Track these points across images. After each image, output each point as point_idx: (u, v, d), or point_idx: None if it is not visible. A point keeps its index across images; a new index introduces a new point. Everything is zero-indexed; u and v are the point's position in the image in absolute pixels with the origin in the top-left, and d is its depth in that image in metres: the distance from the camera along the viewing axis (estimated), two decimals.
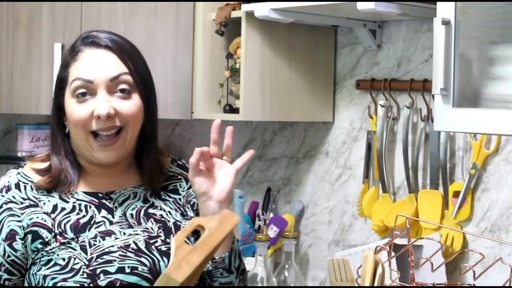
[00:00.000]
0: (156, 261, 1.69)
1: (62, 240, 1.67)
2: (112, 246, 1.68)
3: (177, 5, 2.51)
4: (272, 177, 2.78)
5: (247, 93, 2.38)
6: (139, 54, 1.77)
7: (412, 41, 2.38)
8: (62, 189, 1.72)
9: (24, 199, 1.70)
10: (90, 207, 1.73)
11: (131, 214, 1.74)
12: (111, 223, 1.71)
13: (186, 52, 2.51)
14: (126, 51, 1.72)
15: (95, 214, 1.72)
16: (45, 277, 1.65)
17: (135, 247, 1.69)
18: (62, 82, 1.73)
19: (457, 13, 1.63)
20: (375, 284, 1.80)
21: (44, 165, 1.75)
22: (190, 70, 2.52)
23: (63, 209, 1.71)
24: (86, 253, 1.66)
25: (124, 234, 1.70)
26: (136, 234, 1.71)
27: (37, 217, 1.68)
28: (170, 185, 1.83)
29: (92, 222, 1.70)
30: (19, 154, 2.85)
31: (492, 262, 1.88)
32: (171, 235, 1.73)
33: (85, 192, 1.74)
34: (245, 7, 2.35)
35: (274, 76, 2.44)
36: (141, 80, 1.73)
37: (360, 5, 2.08)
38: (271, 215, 2.68)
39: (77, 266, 1.64)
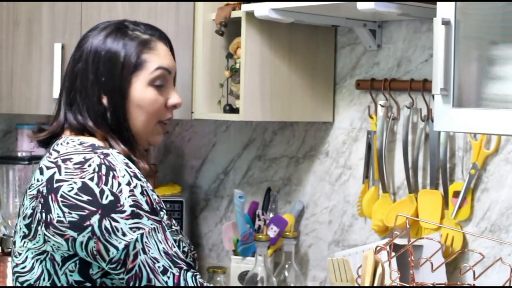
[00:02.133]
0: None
1: (168, 221, 1.73)
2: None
3: (177, 5, 2.51)
4: (272, 177, 2.78)
5: (247, 93, 2.38)
6: None
7: (412, 41, 2.38)
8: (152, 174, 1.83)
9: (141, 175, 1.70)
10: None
11: None
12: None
13: (186, 52, 2.51)
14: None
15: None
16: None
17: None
18: (136, 67, 1.74)
19: (457, 13, 1.63)
20: (375, 284, 1.80)
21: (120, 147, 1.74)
22: (190, 70, 2.52)
23: (152, 190, 1.72)
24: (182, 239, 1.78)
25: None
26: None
27: (154, 194, 1.71)
28: None
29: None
30: (19, 154, 2.84)
31: (492, 262, 1.88)
32: None
33: None
34: (245, 7, 2.35)
35: (274, 76, 2.44)
36: None
37: (360, 5, 2.08)
38: (271, 215, 2.68)
39: (186, 249, 1.76)
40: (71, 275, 1.63)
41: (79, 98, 1.74)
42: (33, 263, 1.66)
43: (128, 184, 1.62)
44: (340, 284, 1.91)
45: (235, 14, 2.41)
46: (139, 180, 1.65)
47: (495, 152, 2.19)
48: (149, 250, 1.59)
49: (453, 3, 1.63)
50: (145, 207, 1.61)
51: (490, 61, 1.61)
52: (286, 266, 2.56)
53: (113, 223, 1.58)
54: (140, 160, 1.73)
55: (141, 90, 1.74)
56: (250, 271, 2.54)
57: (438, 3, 1.66)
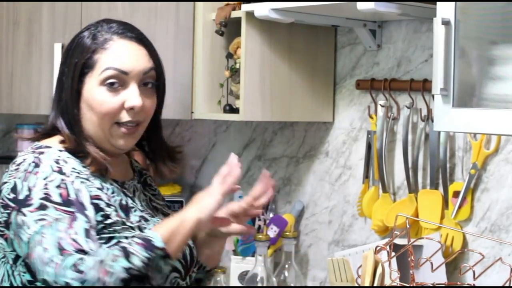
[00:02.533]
0: (187, 251, 1.76)
1: (119, 218, 1.65)
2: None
3: (177, 5, 2.51)
4: (272, 177, 2.77)
5: (247, 93, 2.38)
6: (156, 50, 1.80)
7: (412, 41, 2.38)
8: (105, 174, 1.71)
9: (80, 171, 1.66)
10: (119, 193, 1.72)
11: (145, 205, 1.79)
12: (140, 210, 1.74)
13: (186, 52, 2.51)
14: (152, 47, 1.76)
15: (127, 200, 1.73)
16: None
17: None
18: (86, 68, 1.68)
19: (457, 13, 1.63)
20: (375, 284, 1.80)
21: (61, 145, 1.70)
22: (190, 70, 2.52)
23: (107, 189, 1.69)
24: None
25: (154, 223, 1.73)
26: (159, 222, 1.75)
27: (94, 191, 1.65)
28: (147, 179, 1.91)
29: (129, 206, 1.72)
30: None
31: (492, 262, 1.88)
32: None
33: (113, 179, 1.73)
34: (245, 7, 2.35)
35: (274, 76, 2.44)
36: (161, 76, 1.78)
37: (360, 5, 2.08)
38: (271, 215, 2.68)
39: None
40: (23, 275, 1.61)
41: (54, 99, 1.76)
42: None
43: (45, 178, 1.59)
44: (340, 284, 1.91)
45: (235, 14, 2.41)
46: (63, 174, 1.61)
47: (495, 152, 2.19)
48: (43, 241, 1.52)
49: (453, 3, 1.63)
50: (56, 198, 1.56)
51: (490, 61, 1.61)
52: (286, 266, 2.56)
53: (22, 217, 1.56)
54: (91, 159, 1.68)
55: (91, 91, 1.68)
56: (250, 271, 2.54)
57: (438, 3, 1.66)
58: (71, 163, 1.65)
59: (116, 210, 1.66)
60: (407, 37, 2.39)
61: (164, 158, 1.84)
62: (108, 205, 1.65)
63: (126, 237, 1.61)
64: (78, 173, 1.64)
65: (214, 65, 2.51)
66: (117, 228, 1.62)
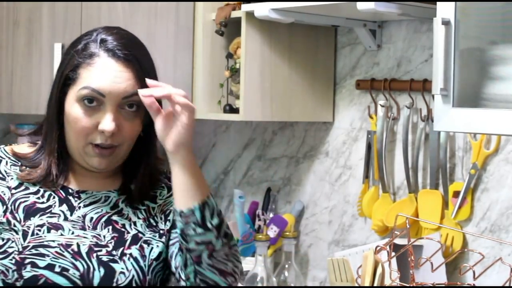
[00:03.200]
0: (91, 269, 1.57)
1: (10, 218, 1.59)
2: (53, 241, 1.58)
3: (177, 5, 2.51)
4: (272, 177, 2.78)
5: (247, 93, 2.38)
6: (153, 66, 1.67)
7: (412, 41, 2.38)
8: (44, 184, 1.64)
9: (4, 171, 1.64)
10: (54, 197, 1.64)
11: (91, 218, 1.64)
12: (65, 219, 1.62)
13: (186, 52, 2.51)
14: (144, 68, 1.63)
15: (55, 205, 1.63)
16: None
17: (76, 249, 1.58)
18: (68, 80, 1.62)
19: (457, 13, 1.63)
20: (375, 284, 1.80)
21: (28, 150, 1.68)
22: (190, 70, 2.52)
23: (27, 188, 1.63)
24: (25, 240, 1.57)
25: (72, 233, 1.60)
26: (84, 237, 1.60)
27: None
28: (150, 192, 1.72)
29: (47, 211, 1.62)
30: None
31: (492, 262, 1.88)
32: (122, 248, 1.61)
33: (63, 186, 1.66)
34: (245, 7, 2.35)
35: (274, 76, 2.44)
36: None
37: (360, 5, 2.08)
38: (271, 215, 2.68)
39: (10, 250, 1.57)
40: None
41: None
42: None
43: None
44: (340, 284, 1.91)
45: (235, 14, 2.41)
46: None
47: (495, 152, 2.19)
48: None
49: (453, 3, 1.63)
50: None
51: (490, 61, 1.61)
52: (286, 266, 2.56)
53: None
54: (27, 166, 1.65)
55: (69, 105, 1.61)
56: (250, 271, 2.54)
57: (438, 3, 1.66)
58: (3, 161, 1.65)
59: (9, 212, 1.60)
60: (407, 37, 2.39)
61: (140, 182, 1.69)
62: (3, 204, 1.60)
63: (3, 239, 1.57)
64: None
65: (214, 65, 2.51)
66: (0, 228, 1.59)
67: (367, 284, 1.80)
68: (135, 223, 1.66)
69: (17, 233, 1.58)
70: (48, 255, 1.56)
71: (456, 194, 2.24)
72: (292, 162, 2.72)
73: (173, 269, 1.63)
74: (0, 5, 2.75)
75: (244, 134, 2.86)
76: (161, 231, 1.67)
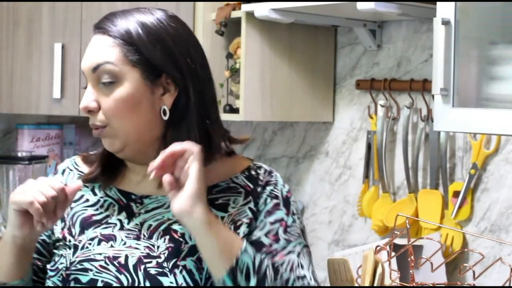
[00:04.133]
0: (136, 283, 1.43)
1: (66, 234, 1.50)
2: (100, 254, 1.46)
3: (177, 5, 2.51)
4: None
5: (247, 93, 2.38)
6: (151, 38, 1.47)
7: (412, 41, 2.38)
8: (102, 180, 1.55)
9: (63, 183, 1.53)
10: (114, 206, 1.52)
11: (149, 225, 1.49)
12: (121, 228, 1.49)
13: None
14: (122, 29, 1.48)
15: (112, 215, 1.51)
16: (46, 270, 1.53)
17: (123, 262, 1.45)
18: None
19: (457, 13, 1.63)
20: (375, 284, 1.80)
21: (94, 156, 1.60)
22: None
23: (87, 200, 1.54)
24: (74, 255, 1.48)
25: (124, 244, 1.47)
26: (136, 248, 1.47)
27: None
28: (220, 199, 1.52)
29: (103, 221, 1.51)
30: (19, 154, 2.85)
31: (492, 262, 1.88)
32: (175, 260, 1.45)
33: (119, 190, 1.54)
34: (245, 7, 2.35)
35: (274, 76, 2.44)
36: (141, 61, 1.46)
37: (360, 5, 2.08)
38: None
39: (60, 266, 1.49)
40: None
41: None
42: None
43: None
44: (340, 284, 1.91)
45: (235, 14, 2.41)
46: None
47: (495, 152, 2.19)
48: None
49: (453, 3, 1.63)
50: None
51: (490, 61, 1.61)
52: None
53: None
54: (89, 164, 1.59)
55: None
56: None
57: (438, 3, 1.66)
58: (58, 177, 1.59)
59: (67, 228, 1.52)
60: (407, 37, 2.39)
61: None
62: (62, 220, 1.53)
63: (58, 255, 1.49)
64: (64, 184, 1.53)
65: (214, 65, 2.48)
66: (58, 244, 1.52)
67: (367, 284, 1.80)
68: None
69: (69, 249, 1.49)
70: (91, 270, 1.45)
71: (456, 194, 2.24)
72: (292, 162, 2.72)
73: None
74: (0, 5, 2.75)
75: (244, 134, 2.86)
76: None
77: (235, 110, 2.46)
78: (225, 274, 1.37)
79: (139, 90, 1.46)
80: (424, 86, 2.28)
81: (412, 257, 1.86)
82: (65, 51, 2.61)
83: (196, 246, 1.42)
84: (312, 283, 1.47)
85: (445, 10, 1.64)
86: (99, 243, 1.48)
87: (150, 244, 1.47)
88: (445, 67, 1.63)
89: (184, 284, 1.42)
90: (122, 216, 1.51)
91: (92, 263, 1.45)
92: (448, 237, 2.24)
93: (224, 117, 2.46)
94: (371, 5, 2.06)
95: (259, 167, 1.58)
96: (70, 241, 1.50)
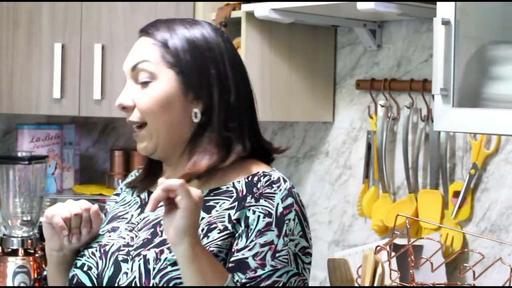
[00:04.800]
0: (105, 268, 1.53)
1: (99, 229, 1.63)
2: (97, 242, 1.59)
3: (177, 5, 2.51)
4: None
5: None
6: (189, 44, 1.55)
7: (412, 41, 2.38)
8: (142, 186, 1.67)
9: (120, 189, 1.75)
10: (137, 203, 1.65)
11: (148, 219, 1.58)
12: (128, 221, 1.61)
13: None
14: (162, 32, 1.56)
15: (131, 210, 1.64)
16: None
17: (107, 249, 1.56)
18: None
19: (457, 13, 1.63)
20: (375, 284, 1.80)
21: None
22: None
23: (123, 200, 1.70)
24: (87, 244, 1.60)
25: (119, 234, 1.59)
26: (123, 238, 1.57)
27: (109, 205, 1.73)
28: (211, 201, 1.55)
29: (121, 217, 1.64)
30: (19, 154, 2.84)
31: (492, 262, 1.88)
32: (142, 249, 1.52)
33: (149, 191, 1.65)
34: (245, 7, 2.35)
35: (274, 76, 2.44)
36: (176, 64, 1.54)
37: (360, 5, 2.08)
38: None
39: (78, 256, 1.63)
40: None
41: None
42: None
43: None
44: (340, 284, 1.91)
45: (235, 14, 2.41)
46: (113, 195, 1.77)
47: (495, 152, 2.19)
48: None
49: (453, 3, 1.63)
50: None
51: (490, 61, 1.61)
52: None
53: None
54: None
55: None
56: None
57: (438, 3, 1.66)
58: (123, 184, 1.77)
59: (103, 223, 1.65)
60: (407, 37, 2.39)
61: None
62: (103, 216, 1.68)
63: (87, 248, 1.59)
64: (120, 189, 1.76)
65: None
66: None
67: (367, 284, 1.80)
68: None
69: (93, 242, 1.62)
70: (85, 255, 1.58)
71: (456, 194, 2.24)
72: (292, 162, 2.72)
73: None
74: (0, 5, 2.74)
75: None
76: None
77: None
78: None
79: (172, 90, 1.54)
80: (424, 86, 2.28)
81: (412, 257, 1.86)
82: (65, 51, 2.61)
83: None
84: None
85: (445, 10, 1.64)
86: (103, 234, 1.61)
87: (135, 235, 1.57)
88: (445, 67, 1.63)
89: (137, 272, 1.48)
90: (136, 212, 1.63)
91: (88, 249, 1.58)
92: (448, 237, 2.24)
93: None
94: (371, 5, 2.06)
95: (267, 175, 1.58)
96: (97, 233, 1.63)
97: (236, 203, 1.51)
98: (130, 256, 1.52)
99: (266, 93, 2.42)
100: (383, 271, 1.80)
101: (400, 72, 2.41)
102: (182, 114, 1.55)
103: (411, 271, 1.87)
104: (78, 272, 1.56)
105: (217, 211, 1.52)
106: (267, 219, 1.49)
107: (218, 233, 1.48)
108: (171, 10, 2.51)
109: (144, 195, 1.66)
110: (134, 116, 1.56)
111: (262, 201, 1.51)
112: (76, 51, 2.60)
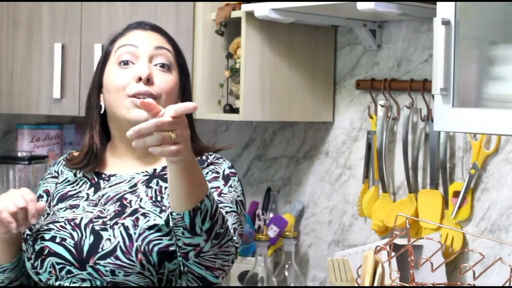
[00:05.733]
0: (84, 237, 1.68)
1: (46, 207, 1.77)
2: (62, 217, 1.74)
3: (177, 5, 2.51)
4: (272, 177, 2.78)
5: (247, 93, 2.38)
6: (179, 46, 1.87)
7: (412, 41, 2.38)
8: (91, 168, 1.82)
9: (54, 171, 1.88)
10: (86, 183, 1.82)
11: (108, 196, 1.76)
12: (86, 199, 1.78)
13: (186, 52, 2.49)
14: (169, 36, 1.85)
15: (83, 189, 1.80)
16: (26, 239, 1.77)
17: (78, 222, 1.71)
18: (106, 56, 1.82)
19: (457, 13, 1.63)
20: (375, 284, 1.80)
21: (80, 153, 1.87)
22: (190, 70, 2.51)
23: (67, 180, 1.84)
24: (44, 220, 1.76)
25: (83, 210, 1.75)
26: (91, 212, 1.73)
27: (49, 186, 1.85)
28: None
29: (74, 195, 1.80)
30: (19, 154, 2.84)
31: (492, 262, 1.88)
32: (117, 219, 1.69)
33: (95, 172, 1.83)
34: (245, 7, 2.35)
35: (274, 76, 2.44)
36: (181, 64, 1.83)
37: (360, 5, 2.08)
38: (271, 215, 2.68)
39: (34, 230, 1.75)
40: None
41: None
42: None
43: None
44: (340, 284, 1.91)
45: (235, 14, 2.41)
46: (46, 175, 1.91)
47: (495, 152, 2.19)
48: None
49: (453, 3, 1.63)
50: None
51: (490, 61, 1.61)
52: (286, 266, 2.56)
53: None
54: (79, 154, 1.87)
55: (108, 72, 1.80)
56: (250, 271, 2.54)
57: (438, 3, 1.66)
58: (53, 167, 1.90)
59: (49, 202, 1.81)
60: (407, 37, 2.39)
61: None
62: (48, 197, 1.84)
63: (34, 225, 1.74)
64: (49, 174, 1.90)
65: (214, 65, 2.51)
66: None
67: (367, 284, 1.80)
68: (141, 200, 1.73)
69: (43, 216, 1.77)
70: (53, 229, 1.72)
71: (456, 194, 2.24)
72: (292, 162, 2.72)
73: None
74: (0, 5, 2.74)
75: (244, 134, 2.86)
76: (163, 207, 1.70)
77: (235, 110, 2.46)
78: (186, 211, 1.51)
79: (177, 83, 1.81)
80: (424, 86, 2.28)
81: (412, 257, 1.86)
82: (65, 51, 2.61)
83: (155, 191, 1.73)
84: (235, 238, 1.63)
85: (445, 10, 1.64)
86: (64, 210, 1.77)
87: (103, 209, 1.74)
88: (445, 67, 1.64)
89: (120, 237, 1.65)
90: (91, 190, 1.80)
91: (55, 224, 1.73)
92: (448, 237, 2.24)
93: (224, 117, 2.46)
94: (371, 5, 2.06)
95: (213, 154, 1.82)
96: (47, 211, 1.78)
97: None
98: (108, 225, 1.68)
99: (266, 93, 2.42)
100: (383, 271, 1.80)
101: (400, 72, 2.41)
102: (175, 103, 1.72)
103: (411, 271, 1.87)
104: (49, 244, 1.69)
105: None
106: (215, 174, 1.75)
107: None
108: (171, 10, 2.51)
109: (90, 175, 1.82)
110: (154, 90, 1.74)
111: (211, 167, 1.76)
112: (76, 51, 2.59)
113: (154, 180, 1.77)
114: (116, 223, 1.68)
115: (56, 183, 1.85)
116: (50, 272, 1.68)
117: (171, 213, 1.54)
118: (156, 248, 1.64)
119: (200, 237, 1.54)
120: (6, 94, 2.74)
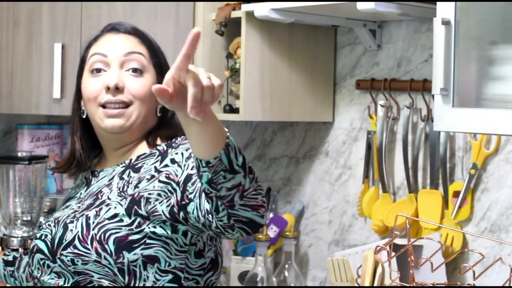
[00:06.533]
0: (56, 232, 1.76)
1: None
2: (54, 217, 1.83)
3: (177, 5, 2.51)
4: (272, 177, 2.78)
5: (247, 93, 2.38)
6: (157, 45, 1.86)
7: (412, 41, 2.38)
8: (74, 171, 1.89)
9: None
10: (84, 183, 1.89)
11: (92, 191, 1.82)
12: (78, 198, 1.85)
13: None
14: (145, 37, 1.84)
15: (80, 189, 1.88)
16: None
17: (59, 219, 1.79)
18: (82, 63, 1.85)
19: (457, 13, 1.63)
20: (375, 284, 1.80)
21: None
22: None
23: (76, 185, 1.93)
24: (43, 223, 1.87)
25: (71, 208, 1.83)
26: (72, 209, 1.81)
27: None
28: (140, 163, 1.79)
29: (72, 197, 1.88)
30: (19, 154, 2.84)
31: (492, 262, 1.88)
32: (84, 211, 1.75)
33: (91, 171, 1.89)
34: (245, 7, 2.35)
35: (274, 76, 2.44)
36: (157, 65, 1.82)
37: (360, 5, 2.08)
38: (271, 215, 2.68)
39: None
40: None
41: None
42: None
43: None
44: (340, 284, 1.91)
45: (235, 14, 2.41)
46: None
47: (495, 152, 2.19)
48: None
49: (453, 3, 1.63)
50: None
51: (490, 61, 1.61)
52: (286, 266, 2.56)
53: None
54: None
55: (83, 81, 1.82)
56: (250, 271, 2.54)
57: (438, 3, 1.66)
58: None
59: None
60: (407, 37, 2.39)
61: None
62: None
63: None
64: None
65: (214, 65, 2.51)
66: None
67: (367, 284, 1.80)
68: (112, 191, 1.77)
69: (40, 229, 1.86)
70: (44, 228, 1.82)
71: (456, 194, 2.24)
72: (292, 162, 2.72)
73: (200, 218, 1.59)
74: (0, 5, 2.74)
75: (244, 134, 2.86)
76: (123, 193, 1.74)
77: (235, 110, 2.46)
78: (221, 151, 1.51)
79: (151, 85, 1.72)
80: (424, 86, 2.28)
81: (412, 257, 1.86)
82: (65, 51, 2.61)
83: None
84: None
85: (445, 10, 1.64)
86: (58, 211, 1.86)
87: (81, 204, 1.81)
88: (445, 67, 1.64)
89: (79, 227, 1.72)
90: (84, 189, 1.86)
91: (47, 223, 1.82)
92: (448, 237, 2.24)
93: (224, 117, 2.46)
94: (371, 5, 2.06)
95: (180, 136, 1.83)
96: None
97: (159, 157, 1.75)
98: (75, 218, 1.75)
99: (266, 93, 2.42)
100: (383, 271, 1.80)
101: (400, 72, 2.41)
102: (153, 107, 1.81)
103: (411, 271, 1.87)
104: (37, 241, 1.79)
105: (144, 168, 1.76)
106: (190, 151, 1.70)
107: (146, 182, 1.70)
108: (171, 10, 2.51)
109: (88, 174, 1.89)
110: (125, 97, 1.76)
111: (181, 146, 1.75)
112: (76, 51, 2.59)
113: (127, 171, 1.79)
114: (82, 215, 1.75)
115: (70, 189, 1.96)
116: (38, 268, 1.78)
117: (207, 163, 1.48)
118: (112, 237, 1.68)
119: (240, 174, 1.50)
120: (6, 94, 2.74)
